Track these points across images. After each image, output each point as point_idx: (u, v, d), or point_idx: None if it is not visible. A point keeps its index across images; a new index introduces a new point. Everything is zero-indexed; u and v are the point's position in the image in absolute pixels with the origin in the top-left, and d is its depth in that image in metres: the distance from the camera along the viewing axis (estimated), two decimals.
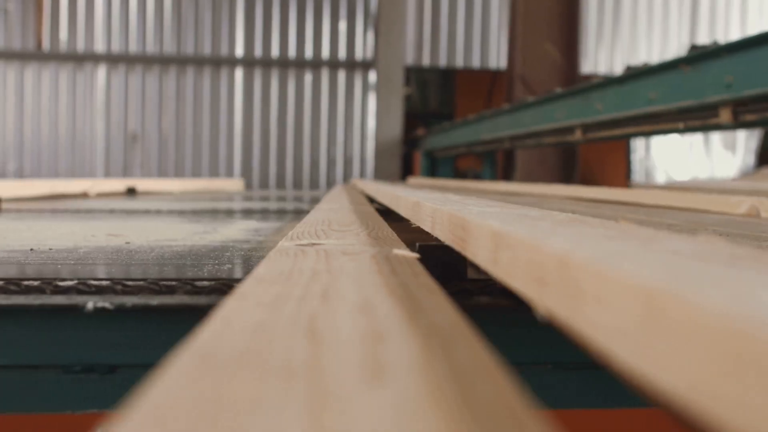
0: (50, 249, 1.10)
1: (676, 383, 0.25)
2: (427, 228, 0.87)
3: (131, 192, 3.94)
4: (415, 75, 7.90)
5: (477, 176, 7.06)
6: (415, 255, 0.68)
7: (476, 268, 0.64)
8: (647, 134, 2.89)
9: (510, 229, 0.49)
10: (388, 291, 0.47)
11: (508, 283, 0.48)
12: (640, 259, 0.34)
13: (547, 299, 0.39)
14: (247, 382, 0.27)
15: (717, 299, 0.25)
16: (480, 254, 0.57)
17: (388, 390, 0.26)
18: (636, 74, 2.58)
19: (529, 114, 3.71)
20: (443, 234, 0.74)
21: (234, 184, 5.70)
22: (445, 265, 0.76)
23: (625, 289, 0.29)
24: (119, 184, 4.02)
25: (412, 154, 7.22)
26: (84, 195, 3.46)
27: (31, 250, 1.08)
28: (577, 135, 3.13)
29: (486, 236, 0.55)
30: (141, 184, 4.18)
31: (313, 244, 0.72)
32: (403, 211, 1.19)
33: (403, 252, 0.69)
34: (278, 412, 0.24)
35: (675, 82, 2.32)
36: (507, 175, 5.59)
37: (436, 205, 0.82)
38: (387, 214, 1.42)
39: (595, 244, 0.40)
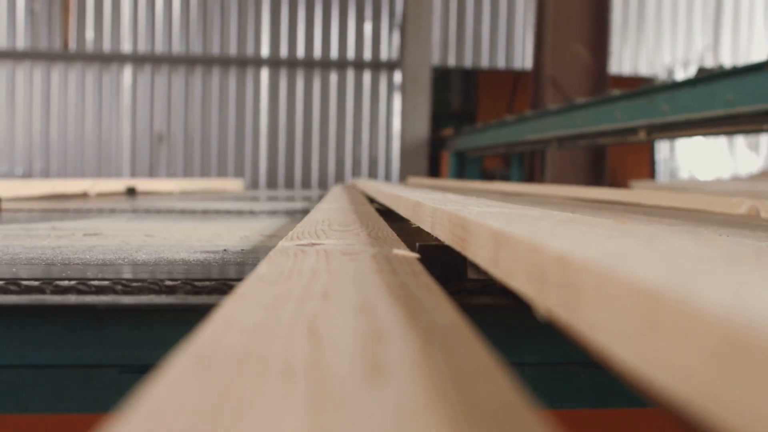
0: (242, 250, 1.08)
1: (676, 383, 0.25)
2: (426, 228, 0.87)
3: (131, 192, 3.94)
4: (436, 75, 7.90)
5: (504, 177, 7.03)
6: (415, 255, 0.68)
7: (476, 267, 0.64)
8: (725, 134, 2.92)
9: (510, 229, 0.49)
10: (388, 291, 0.47)
11: (508, 282, 0.48)
12: (640, 259, 0.34)
13: (547, 299, 0.39)
14: (247, 382, 0.27)
15: (717, 299, 0.25)
16: (480, 254, 0.57)
17: (388, 390, 0.26)
18: (711, 77, 2.59)
19: (582, 115, 3.70)
20: (443, 234, 0.74)
21: (234, 184, 5.70)
22: (445, 265, 0.76)
23: (625, 289, 0.29)
24: (119, 185, 4.02)
25: (439, 153, 7.22)
26: (84, 195, 3.46)
27: (225, 250, 1.07)
28: (641, 135, 3.14)
29: (486, 236, 0.55)
30: (140, 184, 4.18)
31: (313, 244, 0.72)
32: (403, 211, 1.19)
33: (403, 252, 0.69)
34: (278, 412, 0.24)
35: (758, 83, 2.34)
36: (537, 175, 5.58)
37: (437, 205, 0.82)
38: (387, 214, 1.42)
39: (595, 244, 0.40)
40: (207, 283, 0.75)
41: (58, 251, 1.03)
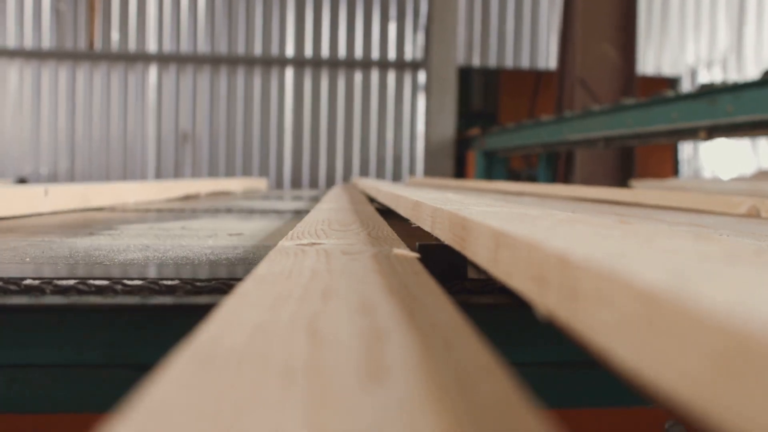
0: None
1: (676, 382, 0.25)
2: (426, 228, 0.87)
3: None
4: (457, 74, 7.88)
5: (531, 177, 6.99)
6: (415, 254, 0.68)
7: (476, 267, 0.64)
8: None
9: (510, 229, 0.49)
10: (388, 290, 0.47)
11: (508, 282, 0.48)
12: (640, 258, 0.34)
13: (547, 298, 0.39)
14: (247, 382, 0.27)
15: (717, 299, 0.25)
16: (480, 253, 0.57)
17: (388, 390, 0.26)
18: None
19: (633, 115, 3.69)
20: (443, 233, 0.74)
21: (261, 183, 5.68)
22: (445, 265, 0.76)
23: (625, 289, 0.29)
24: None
25: (463, 153, 7.21)
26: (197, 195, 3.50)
27: None
28: (701, 136, 3.17)
29: (486, 235, 0.55)
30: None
31: (314, 243, 0.72)
32: (402, 211, 1.19)
33: (403, 251, 0.69)
34: (278, 412, 0.24)
35: None
36: (561, 176, 5.56)
37: (437, 205, 0.82)
38: (387, 214, 1.42)
39: (595, 244, 0.40)
40: None
41: (249, 252, 1.03)
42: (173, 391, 0.25)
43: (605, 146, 4.16)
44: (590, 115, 4.22)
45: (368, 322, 0.37)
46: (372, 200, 1.98)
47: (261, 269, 0.54)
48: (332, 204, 1.60)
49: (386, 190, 1.63)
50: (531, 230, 0.48)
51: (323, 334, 0.34)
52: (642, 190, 2.77)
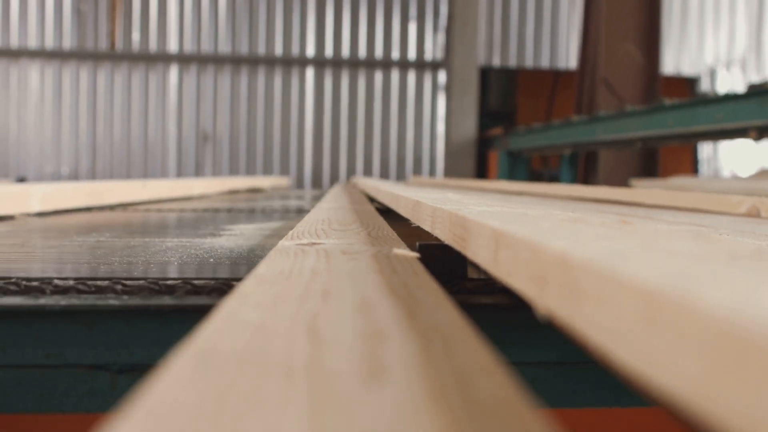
0: None
1: (675, 382, 0.25)
2: (426, 227, 0.87)
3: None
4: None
5: (553, 178, 6.95)
6: (416, 254, 0.68)
7: (477, 267, 0.64)
8: None
9: (510, 229, 0.49)
10: (389, 290, 0.47)
11: (508, 282, 0.48)
12: (641, 258, 0.34)
13: (547, 299, 0.39)
14: (247, 382, 0.27)
15: (717, 299, 0.25)
16: (480, 253, 0.57)
17: (388, 390, 0.26)
18: None
19: (673, 116, 3.67)
20: (443, 233, 0.74)
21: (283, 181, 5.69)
22: (446, 265, 0.76)
23: (626, 289, 0.29)
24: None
25: (485, 153, 7.18)
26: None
27: None
28: (751, 136, 3.18)
29: (486, 235, 0.55)
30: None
31: (314, 243, 0.72)
32: (402, 211, 1.19)
33: (404, 251, 0.69)
34: (278, 412, 0.24)
35: None
36: (581, 176, 5.53)
37: (437, 205, 0.82)
38: (387, 213, 1.41)
39: (595, 244, 0.40)
40: None
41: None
42: (173, 392, 0.25)
43: (643, 146, 4.14)
44: (625, 115, 4.16)
45: (368, 322, 0.37)
46: (372, 200, 1.98)
47: (261, 269, 0.54)
48: (332, 203, 1.60)
49: (386, 190, 1.63)
50: (531, 230, 0.48)
51: (323, 334, 0.34)
52: (642, 189, 2.77)
